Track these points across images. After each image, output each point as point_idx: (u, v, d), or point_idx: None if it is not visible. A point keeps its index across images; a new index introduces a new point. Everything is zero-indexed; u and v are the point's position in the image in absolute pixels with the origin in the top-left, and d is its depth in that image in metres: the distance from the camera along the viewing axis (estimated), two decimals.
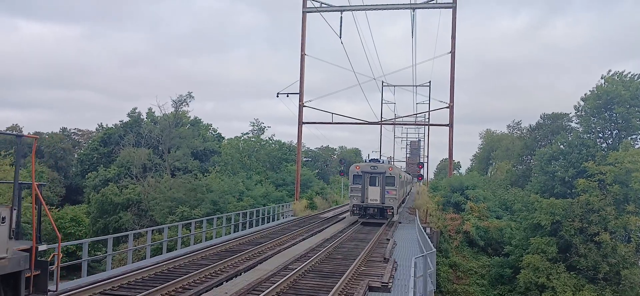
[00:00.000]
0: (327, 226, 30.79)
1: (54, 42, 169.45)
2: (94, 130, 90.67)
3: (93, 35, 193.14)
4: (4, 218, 6.77)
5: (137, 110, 74.16)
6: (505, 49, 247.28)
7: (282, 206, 42.33)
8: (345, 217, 37.33)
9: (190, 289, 13.21)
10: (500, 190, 53.46)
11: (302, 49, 49.02)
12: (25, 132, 63.32)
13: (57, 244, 8.12)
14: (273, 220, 36.26)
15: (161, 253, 21.81)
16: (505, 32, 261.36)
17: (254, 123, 74.07)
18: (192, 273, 14.53)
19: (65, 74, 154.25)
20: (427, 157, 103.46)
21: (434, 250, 18.60)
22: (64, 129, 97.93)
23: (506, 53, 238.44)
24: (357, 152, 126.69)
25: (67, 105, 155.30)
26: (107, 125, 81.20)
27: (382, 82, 75.77)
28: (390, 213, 33.53)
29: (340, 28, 47.23)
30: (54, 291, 7.72)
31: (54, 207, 61.22)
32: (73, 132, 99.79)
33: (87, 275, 16.27)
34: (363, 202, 33.31)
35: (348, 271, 15.70)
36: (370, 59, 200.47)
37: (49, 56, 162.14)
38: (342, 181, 71.09)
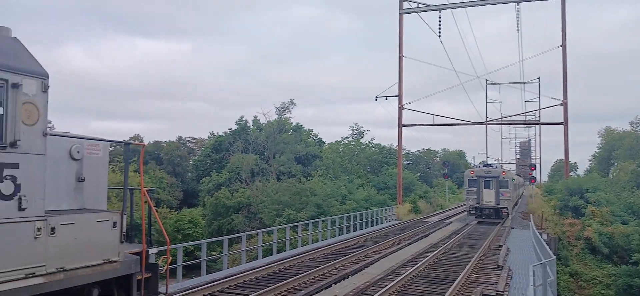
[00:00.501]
0: (433, 231, 30.00)
1: (167, 57, 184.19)
2: (206, 138, 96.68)
3: (200, 50, 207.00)
4: (115, 223, 6.91)
5: (243, 118, 77.85)
6: (620, 40, 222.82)
7: (385, 210, 41.97)
8: (451, 222, 36.21)
9: (301, 289, 13.55)
10: (625, 193, 48.46)
11: (400, 51, 48.37)
12: (145, 141, 68.86)
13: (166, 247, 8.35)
14: (376, 224, 36.07)
15: (271, 254, 22.65)
16: (620, 23, 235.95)
17: (353, 127, 74.59)
18: (302, 275, 14.89)
19: (178, 86, 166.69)
20: (539, 158, 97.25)
21: (554, 257, 17.29)
22: (179, 138, 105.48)
23: (621, 45, 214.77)
24: (461, 154, 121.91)
25: (181, 115, 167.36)
26: (217, 133, 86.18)
27: (486, 80, 72.83)
28: (505, 213, 36.72)
29: (439, 27, 46.05)
30: (164, 293, 7.84)
31: (173, 210, 66.26)
32: (188, 140, 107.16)
33: (206, 274, 17.37)
34: (478, 204, 36.78)
35: (459, 277, 15.13)
36: (472, 57, 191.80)
37: (163, 70, 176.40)
38: (446, 184, 68.94)
